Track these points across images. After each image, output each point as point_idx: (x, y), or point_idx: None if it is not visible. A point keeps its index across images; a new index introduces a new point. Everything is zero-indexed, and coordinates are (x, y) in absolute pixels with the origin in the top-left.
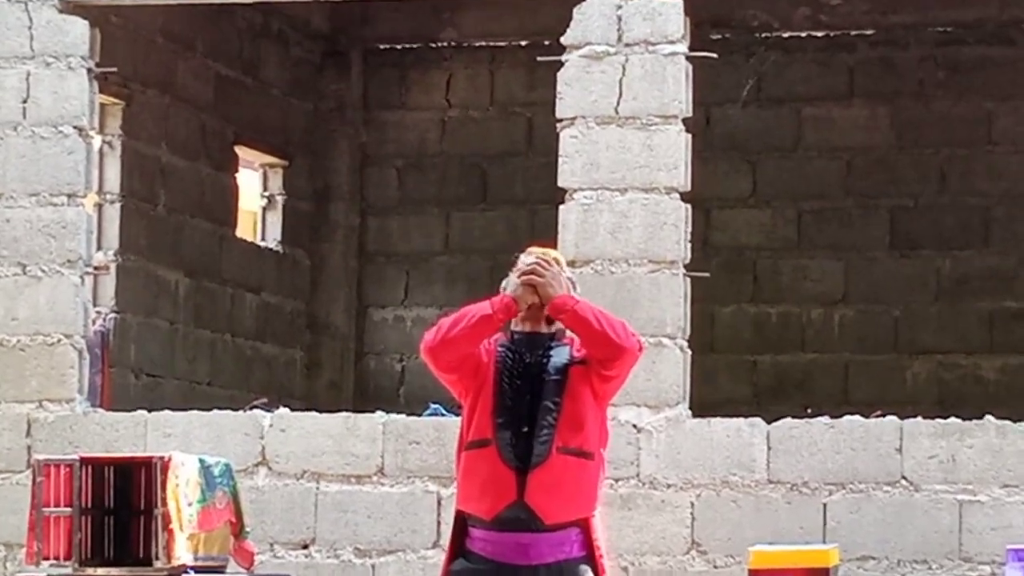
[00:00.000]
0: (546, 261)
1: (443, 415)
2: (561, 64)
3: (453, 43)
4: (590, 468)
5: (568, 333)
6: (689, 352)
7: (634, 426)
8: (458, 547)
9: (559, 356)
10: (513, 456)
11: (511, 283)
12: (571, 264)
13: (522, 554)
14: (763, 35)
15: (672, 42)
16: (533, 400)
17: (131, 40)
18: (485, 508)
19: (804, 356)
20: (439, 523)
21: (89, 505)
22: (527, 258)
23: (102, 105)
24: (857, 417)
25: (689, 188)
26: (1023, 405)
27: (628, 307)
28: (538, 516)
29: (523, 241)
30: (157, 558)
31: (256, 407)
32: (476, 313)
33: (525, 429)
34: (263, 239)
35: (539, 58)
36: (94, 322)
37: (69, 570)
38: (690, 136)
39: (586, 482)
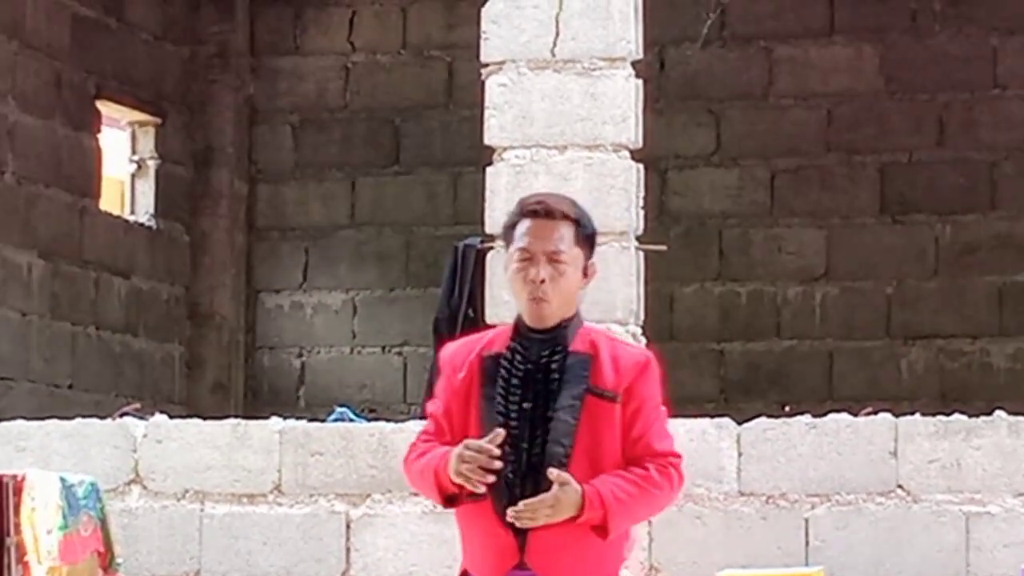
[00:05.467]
0: (540, 509)
1: (351, 420)
2: None
3: None
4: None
5: (585, 322)
6: (644, 340)
7: None
8: None
9: (573, 376)
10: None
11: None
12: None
13: None
14: None
15: None
16: (533, 440)
17: None
18: (487, 573)
19: (780, 343)
20: (348, 549)
21: None
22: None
23: None
24: (844, 415)
25: (641, 145)
26: None
27: None
28: None
29: (443, 210)
30: None
31: (127, 414)
32: (426, 489)
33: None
34: (132, 212)
35: None
36: None
37: None
38: (641, 83)
39: (598, 539)
